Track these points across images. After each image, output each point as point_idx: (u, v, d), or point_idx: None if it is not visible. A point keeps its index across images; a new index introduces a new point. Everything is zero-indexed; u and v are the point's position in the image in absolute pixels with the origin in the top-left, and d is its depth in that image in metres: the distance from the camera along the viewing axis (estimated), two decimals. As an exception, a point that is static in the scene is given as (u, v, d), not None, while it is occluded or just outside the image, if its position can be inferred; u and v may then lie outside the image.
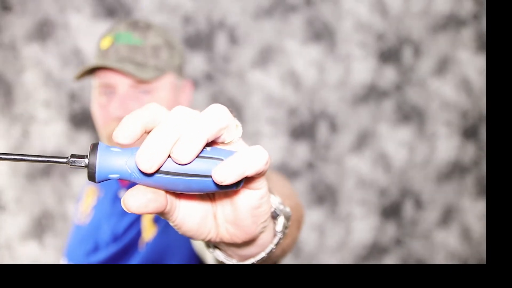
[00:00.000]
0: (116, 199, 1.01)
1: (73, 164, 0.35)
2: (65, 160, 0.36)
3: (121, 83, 0.91)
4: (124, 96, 0.91)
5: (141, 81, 0.91)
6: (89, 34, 2.02)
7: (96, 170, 0.34)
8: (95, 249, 0.98)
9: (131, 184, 0.99)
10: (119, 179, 0.36)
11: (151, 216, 0.94)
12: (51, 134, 2.00)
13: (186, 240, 0.90)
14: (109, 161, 0.35)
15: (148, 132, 0.35)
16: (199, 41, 2.16)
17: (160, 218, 0.92)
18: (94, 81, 0.96)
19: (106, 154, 0.35)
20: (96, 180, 0.35)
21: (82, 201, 1.12)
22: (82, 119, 2.04)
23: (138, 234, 0.94)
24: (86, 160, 0.35)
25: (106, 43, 0.94)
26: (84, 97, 2.04)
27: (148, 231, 0.93)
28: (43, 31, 1.99)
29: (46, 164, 2.01)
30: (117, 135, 0.34)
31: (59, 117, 2.01)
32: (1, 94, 1.97)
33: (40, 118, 2.00)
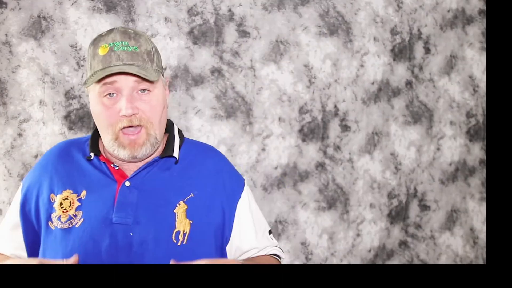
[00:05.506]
0: (124, 189, 1.08)
1: None
2: None
3: (126, 85, 1.05)
4: (131, 96, 1.06)
5: (147, 82, 1.06)
6: (87, 31, 1.98)
7: None
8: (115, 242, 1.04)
9: (130, 177, 1.10)
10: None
11: (184, 210, 1.08)
12: (47, 133, 1.96)
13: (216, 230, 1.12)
14: None
15: None
16: (206, 34, 2.11)
17: (191, 213, 1.08)
18: (95, 84, 1.07)
19: None
20: None
21: (55, 208, 1.09)
22: (78, 118, 2.00)
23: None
24: None
25: (104, 50, 1.05)
26: (80, 96, 2.00)
27: (184, 225, 1.07)
28: (39, 27, 1.95)
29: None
30: None
31: (55, 116, 1.97)
32: (-5, 92, 1.93)
33: (36, 117, 1.95)
